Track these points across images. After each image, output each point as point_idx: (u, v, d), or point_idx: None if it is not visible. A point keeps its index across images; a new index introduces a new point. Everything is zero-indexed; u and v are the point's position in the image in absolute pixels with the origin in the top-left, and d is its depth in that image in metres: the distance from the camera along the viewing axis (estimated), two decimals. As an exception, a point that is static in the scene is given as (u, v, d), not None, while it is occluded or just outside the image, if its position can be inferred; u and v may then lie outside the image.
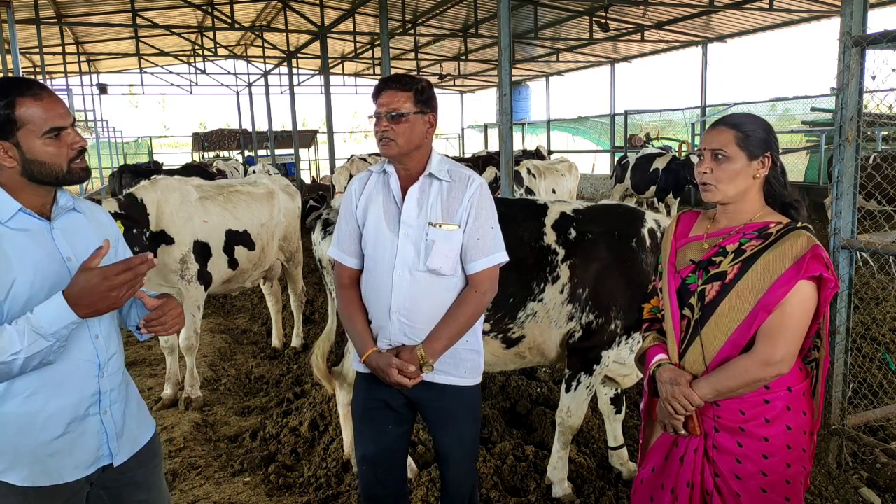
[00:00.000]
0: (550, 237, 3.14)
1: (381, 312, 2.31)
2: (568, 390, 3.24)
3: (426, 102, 2.26)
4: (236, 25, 16.27)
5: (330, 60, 17.99)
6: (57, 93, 1.85)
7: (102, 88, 23.28)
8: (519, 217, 3.19)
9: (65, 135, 1.70)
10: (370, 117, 2.31)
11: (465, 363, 2.38)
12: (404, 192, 2.31)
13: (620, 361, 3.25)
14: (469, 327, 2.34)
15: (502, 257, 2.33)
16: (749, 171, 1.97)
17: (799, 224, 1.97)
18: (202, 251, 4.82)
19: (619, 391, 3.65)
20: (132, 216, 4.39)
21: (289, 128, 20.43)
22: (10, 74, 8.96)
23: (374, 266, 2.33)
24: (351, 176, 10.78)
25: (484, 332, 3.12)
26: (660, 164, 11.57)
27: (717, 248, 2.04)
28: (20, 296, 1.68)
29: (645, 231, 3.17)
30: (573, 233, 3.14)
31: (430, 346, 2.25)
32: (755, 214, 2.02)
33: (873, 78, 3.30)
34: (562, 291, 3.11)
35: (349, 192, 2.43)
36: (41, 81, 1.81)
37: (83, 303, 1.63)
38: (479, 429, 2.55)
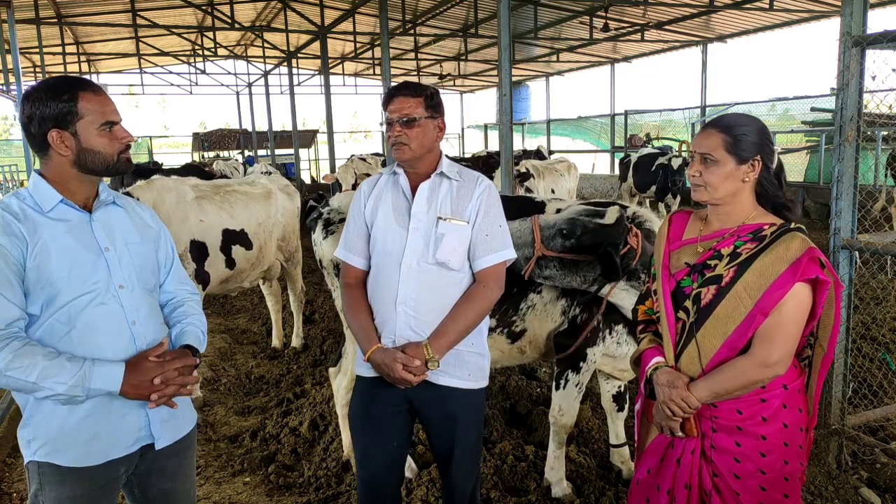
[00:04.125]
0: None
1: (387, 305, 2.31)
2: (557, 388, 3.28)
3: (435, 108, 2.34)
4: (236, 25, 16.28)
5: (330, 60, 18.00)
6: None
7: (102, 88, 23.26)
8: (520, 212, 3.25)
9: (116, 129, 1.87)
10: (381, 123, 2.36)
11: (469, 366, 2.37)
12: (414, 190, 2.35)
13: (610, 355, 3.29)
14: (475, 324, 2.33)
15: (510, 254, 2.37)
16: (738, 175, 1.97)
17: (792, 226, 1.96)
18: (199, 251, 4.82)
19: (621, 388, 3.67)
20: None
21: (289, 128, 20.41)
22: (10, 74, 8.95)
23: (382, 261, 2.35)
24: (355, 174, 10.78)
25: (490, 329, 3.15)
26: (660, 164, 11.55)
27: (713, 251, 2.02)
28: (57, 284, 1.79)
29: None
30: None
31: (436, 341, 2.24)
32: (748, 216, 2.02)
33: (873, 78, 3.30)
34: None
35: (358, 194, 2.47)
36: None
37: (133, 392, 1.79)
38: (481, 433, 2.53)
